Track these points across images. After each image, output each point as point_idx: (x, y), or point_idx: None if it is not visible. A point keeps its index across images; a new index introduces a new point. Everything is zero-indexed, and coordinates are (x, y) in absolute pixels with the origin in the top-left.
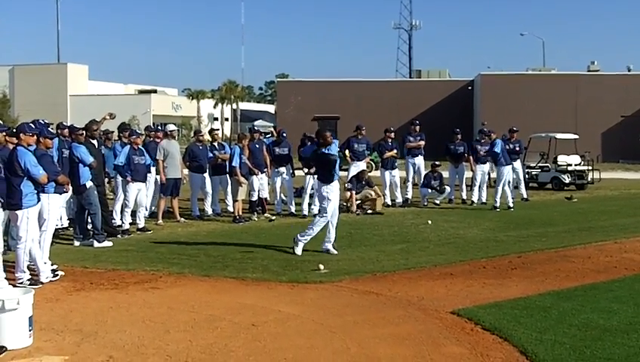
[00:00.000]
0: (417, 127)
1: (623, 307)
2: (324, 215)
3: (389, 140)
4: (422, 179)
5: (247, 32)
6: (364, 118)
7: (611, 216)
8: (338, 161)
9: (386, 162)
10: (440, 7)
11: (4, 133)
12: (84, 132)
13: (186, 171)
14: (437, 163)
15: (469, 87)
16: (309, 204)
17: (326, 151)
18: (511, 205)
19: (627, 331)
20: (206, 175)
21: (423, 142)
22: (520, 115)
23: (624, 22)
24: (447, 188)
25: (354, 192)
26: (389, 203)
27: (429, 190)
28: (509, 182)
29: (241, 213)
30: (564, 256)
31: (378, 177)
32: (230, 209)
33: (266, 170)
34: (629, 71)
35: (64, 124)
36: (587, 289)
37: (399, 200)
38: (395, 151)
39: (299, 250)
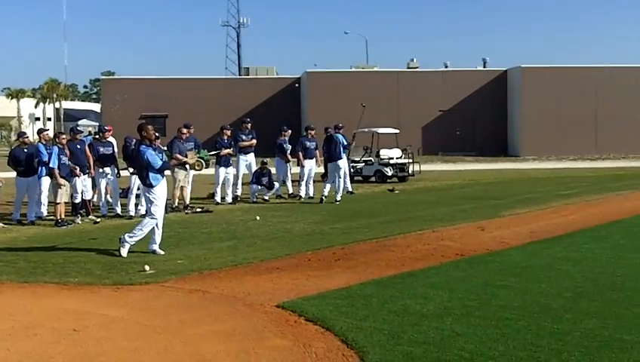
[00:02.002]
0: (249, 125)
1: (439, 293)
2: (154, 218)
3: (226, 138)
4: (252, 177)
5: (70, 29)
6: (194, 116)
7: (430, 206)
8: (159, 164)
9: (222, 159)
10: (267, 5)
11: None
12: None
13: (2, 175)
14: (265, 160)
15: (297, 85)
16: (136, 205)
17: (146, 154)
18: (338, 198)
19: (442, 315)
20: (43, 178)
21: (254, 141)
22: (346, 111)
23: (441, 20)
24: (276, 185)
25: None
26: (219, 200)
27: (259, 186)
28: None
29: (63, 217)
30: (385, 245)
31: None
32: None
33: (89, 170)
34: (445, 67)
35: None
36: (405, 276)
37: (229, 198)
38: (231, 149)
39: (124, 252)
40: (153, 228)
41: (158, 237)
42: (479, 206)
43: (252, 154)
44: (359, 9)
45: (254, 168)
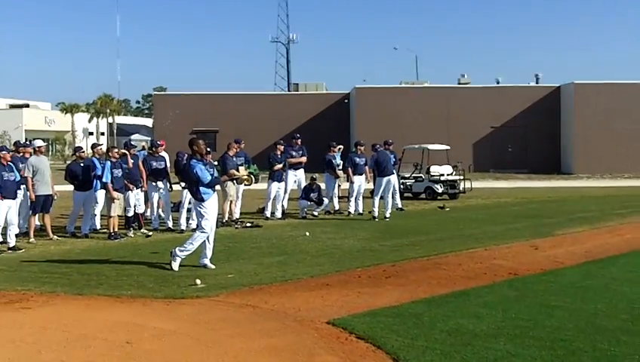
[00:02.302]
0: (299, 141)
1: (492, 312)
2: (204, 232)
3: (279, 153)
4: (301, 192)
5: (123, 45)
6: (244, 132)
7: (482, 224)
8: (209, 179)
9: (275, 174)
10: (317, 22)
11: None
12: None
13: (57, 187)
14: (314, 176)
15: (346, 100)
16: (187, 219)
17: (196, 168)
18: (387, 215)
19: (495, 335)
20: (97, 191)
21: (304, 158)
22: (395, 127)
23: (493, 37)
24: (325, 201)
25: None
26: (269, 215)
27: (308, 202)
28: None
29: (116, 230)
30: (436, 263)
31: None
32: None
33: (142, 184)
34: (497, 83)
35: None
36: (458, 295)
37: (279, 213)
38: (283, 164)
39: (176, 266)
40: (204, 242)
41: (209, 252)
42: (532, 224)
43: (301, 170)
44: (409, 25)
45: (303, 184)
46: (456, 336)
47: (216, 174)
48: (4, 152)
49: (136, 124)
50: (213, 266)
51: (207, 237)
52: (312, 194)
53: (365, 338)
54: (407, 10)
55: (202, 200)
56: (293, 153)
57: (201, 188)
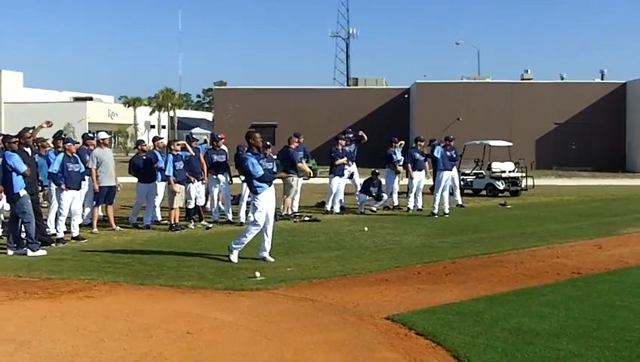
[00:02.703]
0: (350, 135)
1: (554, 311)
2: (257, 225)
3: (340, 147)
4: (358, 187)
5: (184, 40)
6: (303, 126)
7: (544, 222)
8: (259, 173)
9: (337, 169)
10: (377, 16)
11: None
12: (17, 140)
13: (120, 179)
14: (377, 171)
15: (406, 95)
16: (247, 212)
17: (247, 162)
18: (447, 211)
19: (558, 335)
20: (159, 183)
21: (345, 160)
22: (455, 123)
23: (557, 32)
24: (385, 196)
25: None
26: (328, 209)
27: (367, 196)
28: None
29: (177, 221)
30: (498, 261)
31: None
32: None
33: (202, 177)
34: (561, 79)
35: None
36: (519, 294)
37: (337, 208)
38: (345, 158)
39: (234, 258)
40: (262, 235)
41: (267, 245)
42: (596, 223)
43: (354, 165)
44: (471, 19)
45: (358, 179)
46: (518, 335)
47: (274, 168)
48: (69, 144)
49: (196, 117)
50: (272, 259)
51: (266, 231)
52: (372, 189)
53: (425, 334)
54: (470, 5)
55: (256, 193)
56: (346, 148)
57: (255, 182)
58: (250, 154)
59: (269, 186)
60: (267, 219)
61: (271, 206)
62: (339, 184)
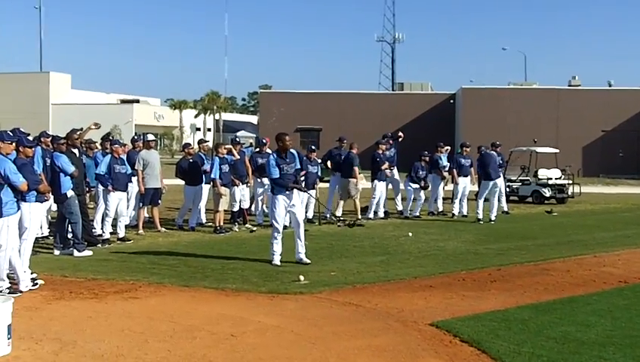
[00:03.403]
0: (391, 140)
1: (601, 320)
2: (272, 225)
3: (381, 151)
4: (399, 192)
5: (230, 44)
6: (347, 130)
7: (591, 230)
8: (275, 175)
9: (380, 174)
10: (423, 21)
11: None
12: (65, 141)
13: (166, 181)
14: (425, 152)
15: (451, 101)
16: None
17: (268, 162)
18: (493, 218)
19: (604, 344)
20: (204, 186)
21: (386, 165)
22: (501, 129)
23: (605, 38)
24: (422, 196)
25: (342, 202)
26: (372, 215)
27: (412, 186)
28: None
29: (222, 224)
30: (544, 269)
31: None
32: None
33: (247, 180)
34: (609, 86)
35: (47, 132)
36: (565, 302)
37: (381, 212)
38: (387, 163)
39: (276, 260)
40: (294, 238)
41: (299, 247)
42: None
43: (395, 170)
44: (518, 24)
45: (399, 183)
46: (564, 344)
47: (318, 172)
48: (116, 146)
49: (241, 120)
50: (308, 261)
51: (297, 234)
52: (420, 172)
53: (470, 341)
54: (517, 10)
55: (273, 193)
56: (387, 153)
57: (272, 182)
58: (274, 155)
59: (289, 191)
60: (296, 223)
61: (296, 209)
62: (382, 189)
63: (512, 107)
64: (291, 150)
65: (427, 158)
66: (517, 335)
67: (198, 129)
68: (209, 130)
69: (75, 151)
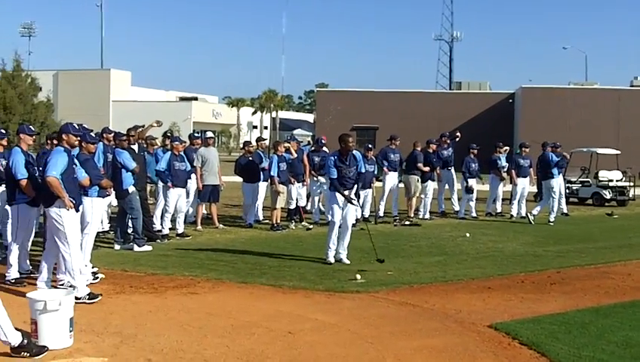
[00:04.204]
0: (448, 140)
1: None
2: (333, 222)
3: (432, 151)
4: (455, 191)
5: (287, 42)
6: (403, 129)
7: None
8: (333, 175)
9: (430, 174)
10: (481, 20)
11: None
12: (127, 138)
13: (224, 178)
14: (474, 145)
15: (510, 100)
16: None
17: (327, 161)
18: (552, 219)
19: None
20: (261, 184)
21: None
22: (561, 130)
23: None
24: (473, 198)
25: (414, 200)
26: (427, 215)
27: (469, 180)
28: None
29: (279, 221)
30: (604, 272)
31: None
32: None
33: (304, 178)
34: None
35: (109, 129)
36: (627, 306)
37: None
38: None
39: (330, 259)
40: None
41: (340, 246)
42: None
43: (452, 169)
44: (579, 23)
45: (455, 183)
46: (626, 348)
47: (375, 171)
48: (176, 143)
49: (298, 119)
50: (348, 261)
51: (344, 234)
52: (473, 165)
53: (529, 344)
54: (578, 8)
55: (331, 190)
56: (444, 152)
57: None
58: (335, 156)
59: (340, 188)
60: (345, 223)
61: (348, 208)
62: (430, 189)
63: (573, 107)
64: (354, 152)
65: (475, 151)
66: (577, 338)
67: (255, 127)
68: (265, 128)
69: (135, 147)
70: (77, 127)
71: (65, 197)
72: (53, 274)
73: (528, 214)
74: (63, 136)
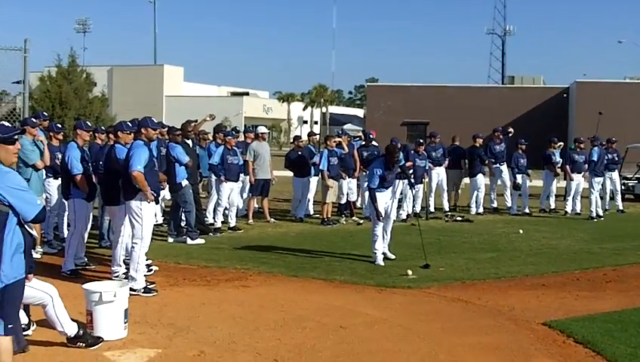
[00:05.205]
0: (501, 135)
1: None
2: (375, 220)
3: (479, 145)
4: (508, 187)
5: (338, 37)
6: (454, 124)
7: None
8: (376, 183)
9: (480, 168)
10: (534, 13)
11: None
12: (180, 132)
13: (275, 172)
14: (522, 140)
15: (564, 95)
16: (398, 208)
17: (374, 168)
18: (600, 214)
19: None
20: (311, 178)
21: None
22: (617, 125)
23: None
24: (528, 196)
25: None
26: (481, 210)
27: (517, 176)
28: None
29: (329, 216)
30: None
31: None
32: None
33: (355, 173)
34: None
35: (163, 123)
36: None
37: (480, 208)
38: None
39: (379, 261)
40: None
41: (385, 241)
42: None
43: (505, 165)
44: (634, 17)
45: (507, 179)
46: None
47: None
48: (229, 137)
49: (348, 114)
50: (393, 256)
51: (385, 228)
52: (522, 161)
53: (584, 343)
54: (634, 1)
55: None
56: (497, 148)
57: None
58: (382, 166)
59: (384, 189)
60: (387, 220)
61: (389, 207)
62: (481, 183)
63: (629, 102)
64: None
65: (524, 146)
66: (634, 337)
67: (305, 122)
68: (316, 122)
69: (189, 142)
70: (130, 124)
71: (148, 191)
72: (108, 266)
73: (591, 213)
74: (142, 129)
